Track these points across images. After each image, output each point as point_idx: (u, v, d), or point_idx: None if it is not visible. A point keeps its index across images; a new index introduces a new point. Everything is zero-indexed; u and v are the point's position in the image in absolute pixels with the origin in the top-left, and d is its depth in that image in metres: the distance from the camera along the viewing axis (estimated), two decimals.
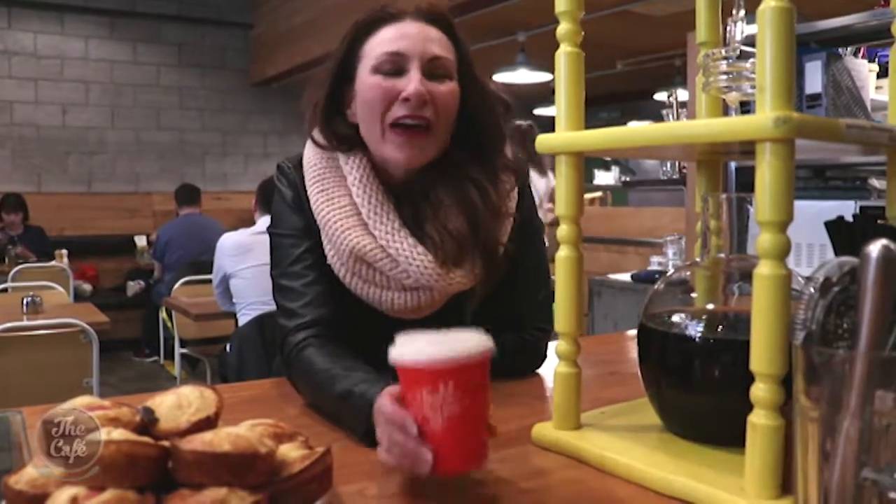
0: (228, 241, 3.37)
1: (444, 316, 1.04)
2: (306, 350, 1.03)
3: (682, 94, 3.86)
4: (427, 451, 0.70)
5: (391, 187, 1.10)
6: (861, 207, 2.32)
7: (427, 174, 1.08)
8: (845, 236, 0.83)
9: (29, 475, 0.60)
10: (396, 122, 1.03)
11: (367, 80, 1.05)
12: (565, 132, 0.83)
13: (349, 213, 1.07)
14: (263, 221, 3.30)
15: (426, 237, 1.05)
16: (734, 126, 0.67)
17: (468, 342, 0.70)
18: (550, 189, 4.33)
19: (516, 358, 1.14)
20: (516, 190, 1.15)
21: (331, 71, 1.11)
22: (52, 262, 5.44)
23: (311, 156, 1.14)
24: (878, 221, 0.84)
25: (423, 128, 1.04)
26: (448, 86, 1.06)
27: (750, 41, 0.74)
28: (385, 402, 0.75)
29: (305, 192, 1.12)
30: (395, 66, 1.04)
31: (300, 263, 1.10)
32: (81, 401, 0.65)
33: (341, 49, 1.10)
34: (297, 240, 1.12)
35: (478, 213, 1.06)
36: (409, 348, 0.70)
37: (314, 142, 1.13)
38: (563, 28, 0.83)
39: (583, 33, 0.84)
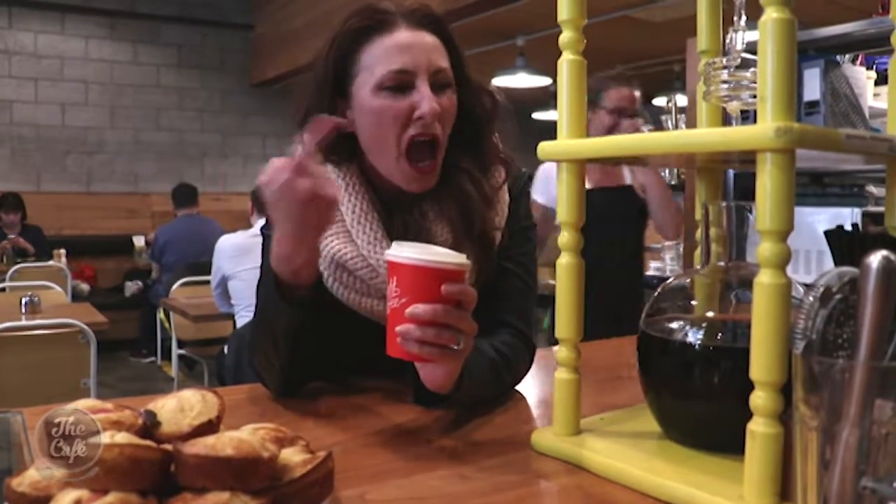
0: (227, 243, 3.38)
1: None
2: None
3: (681, 100, 3.87)
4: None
5: (381, 195, 1.10)
6: (863, 213, 2.33)
7: None
8: (845, 245, 0.84)
9: (31, 477, 0.60)
10: (410, 141, 1.02)
11: (372, 101, 1.02)
12: (567, 139, 0.84)
13: (334, 220, 1.07)
14: (261, 224, 3.31)
15: None
16: (735, 136, 0.68)
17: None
18: None
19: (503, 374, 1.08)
20: (507, 198, 1.14)
21: (321, 84, 1.06)
22: (51, 262, 5.44)
23: None
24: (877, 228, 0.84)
25: (433, 145, 1.03)
26: (450, 97, 1.05)
27: (751, 48, 0.74)
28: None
29: None
30: (401, 84, 1.01)
31: None
32: (84, 403, 0.65)
33: (330, 60, 1.05)
34: None
35: (471, 203, 1.06)
36: (450, 256, 0.84)
37: None
38: (565, 36, 0.84)
39: (585, 41, 0.85)
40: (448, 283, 0.82)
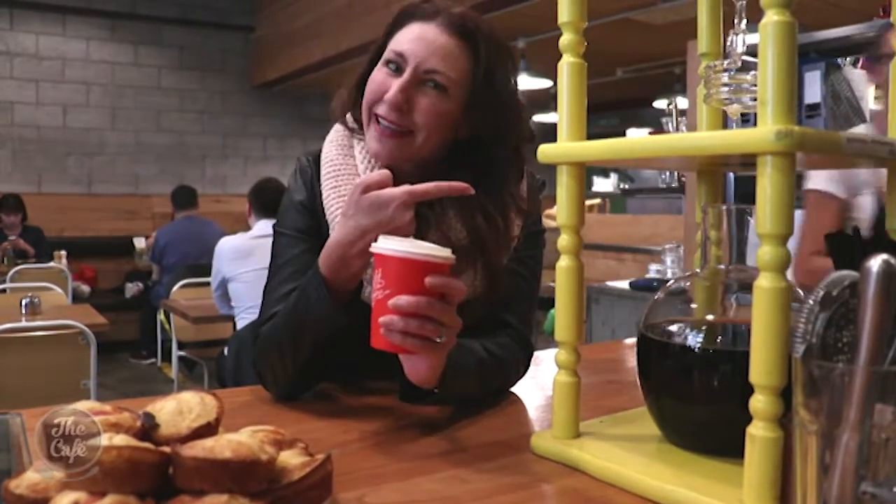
0: (227, 245, 3.38)
1: None
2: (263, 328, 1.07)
3: (682, 102, 3.87)
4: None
5: (397, 179, 1.09)
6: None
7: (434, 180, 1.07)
8: (845, 249, 0.83)
9: (29, 479, 0.60)
10: (377, 117, 1.04)
11: (374, 72, 1.07)
12: (567, 142, 0.84)
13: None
14: (260, 225, 3.30)
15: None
16: (735, 139, 0.68)
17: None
18: None
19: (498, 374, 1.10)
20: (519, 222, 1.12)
21: (373, 50, 1.11)
22: (51, 263, 5.44)
23: (328, 150, 1.14)
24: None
25: (399, 132, 1.04)
26: (433, 97, 1.03)
27: (751, 51, 0.74)
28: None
29: (320, 187, 1.12)
30: (396, 65, 1.04)
31: (291, 266, 1.10)
32: (83, 405, 0.65)
33: (383, 32, 1.10)
34: (294, 240, 1.12)
35: (481, 236, 1.04)
36: (436, 250, 0.83)
37: (344, 124, 1.14)
38: (565, 39, 0.84)
39: (586, 44, 0.85)
40: (432, 276, 0.82)
